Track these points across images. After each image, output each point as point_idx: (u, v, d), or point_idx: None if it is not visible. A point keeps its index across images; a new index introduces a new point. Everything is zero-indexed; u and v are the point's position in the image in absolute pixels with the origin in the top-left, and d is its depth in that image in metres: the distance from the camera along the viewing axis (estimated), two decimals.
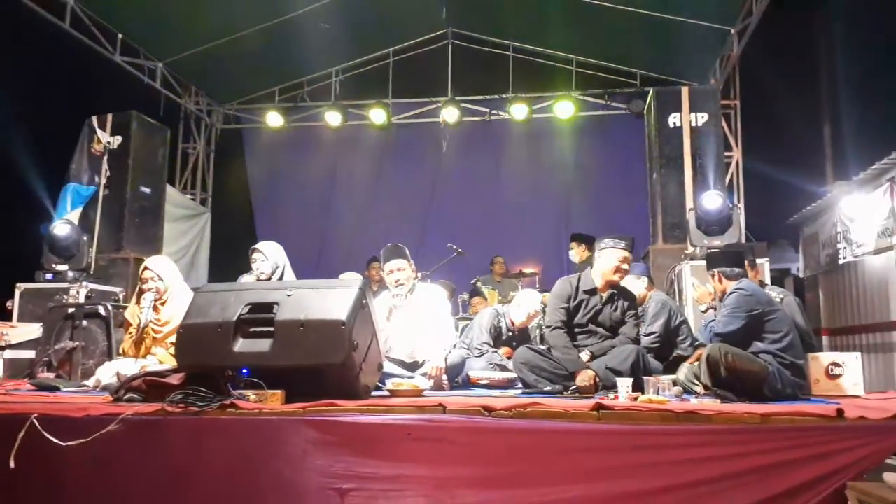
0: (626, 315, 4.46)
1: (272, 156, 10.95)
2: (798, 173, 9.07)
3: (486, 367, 4.89)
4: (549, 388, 4.10)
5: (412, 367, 4.65)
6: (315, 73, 10.64)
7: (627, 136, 9.62)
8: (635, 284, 5.15)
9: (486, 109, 10.31)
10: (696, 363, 4.11)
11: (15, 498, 2.86)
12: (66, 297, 6.03)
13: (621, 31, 9.08)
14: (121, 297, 6.49)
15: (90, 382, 4.29)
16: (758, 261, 5.47)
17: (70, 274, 6.37)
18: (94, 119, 7.48)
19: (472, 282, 7.80)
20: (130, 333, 4.55)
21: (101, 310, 5.33)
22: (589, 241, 6.74)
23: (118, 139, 7.40)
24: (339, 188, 10.73)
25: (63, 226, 6.53)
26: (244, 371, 3.21)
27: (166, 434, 2.88)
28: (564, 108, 9.73)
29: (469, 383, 4.70)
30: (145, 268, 4.57)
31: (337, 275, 6.05)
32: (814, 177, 9.14)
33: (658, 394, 3.51)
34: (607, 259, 4.43)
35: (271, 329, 3.24)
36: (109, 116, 7.49)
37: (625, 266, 4.42)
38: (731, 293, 3.99)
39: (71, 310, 5.42)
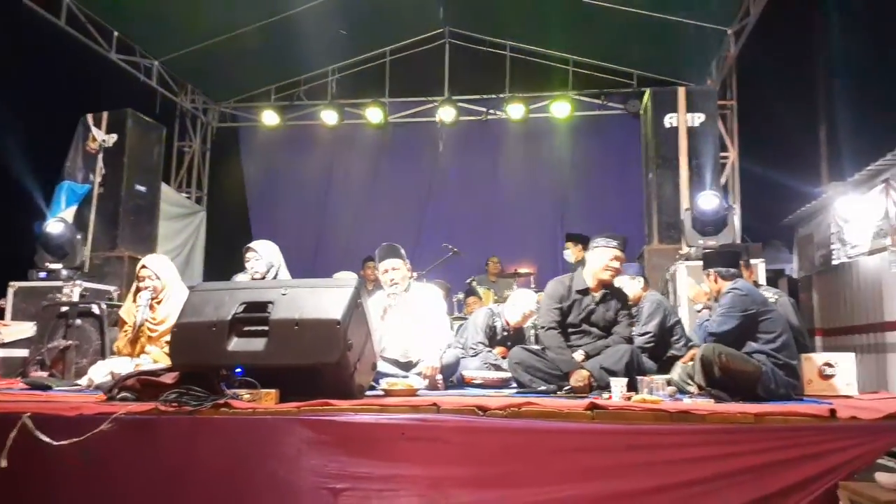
0: (619, 315, 4.47)
1: (268, 154, 10.92)
2: (793, 174, 9.09)
3: (481, 366, 4.89)
4: (543, 388, 4.11)
5: (407, 366, 4.65)
6: (311, 72, 10.61)
7: (624, 137, 9.62)
8: (631, 285, 5.16)
9: (483, 109, 10.30)
10: (690, 363, 4.11)
11: (7, 497, 2.85)
12: (59, 295, 6.01)
13: (618, 31, 9.08)
14: (115, 295, 6.47)
15: (83, 381, 4.27)
16: (752, 261, 5.48)
17: (64, 272, 6.35)
18: (90, 117, 7.45)
19: (468, 281, 7.80)
20: (125, 331, 4.53)
21: (95, 308, 5.31)
22: (584, 241, 6.73)
23: (113, 137, 7.37)
24: (335, 187, 10.71)
25: (56, 224, 6.51)
26: (238, 370, 3.20)
27: (160, 433, 2.87)
28: (561, 108, 9.73)
29: (463, 383, 4.70)
30: (142, 266, 4.56)
31: (333, 274, 6.05)
32: (809, 178, 9.17)
33: (652, 393, 3.52)
34: (598, 258, 4.44)
35: (266, 328, 3.24)
36: (105, 114, 7.46)
37: (615, 265, 4.42)
38: (727, 293, 4.00)
39: (64, 308, 5.40)
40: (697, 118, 7.13)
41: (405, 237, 7.65)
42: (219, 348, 3.23)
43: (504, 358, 4.85)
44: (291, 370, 3.18)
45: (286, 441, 2.79)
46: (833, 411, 2.85)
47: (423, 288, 5.07)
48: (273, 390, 3.11)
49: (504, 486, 2.71)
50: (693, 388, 3.96)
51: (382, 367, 4.26)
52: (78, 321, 5.27)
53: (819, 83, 9.50)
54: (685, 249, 6.36)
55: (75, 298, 5.95)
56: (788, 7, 8.36)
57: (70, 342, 5.11)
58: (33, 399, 3.48)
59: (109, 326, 5.19)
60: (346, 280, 3.77)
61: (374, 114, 10.09)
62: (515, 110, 9.81)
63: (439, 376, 4.48)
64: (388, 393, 3.57)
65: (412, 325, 4.71)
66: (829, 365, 4.18)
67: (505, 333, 5.38)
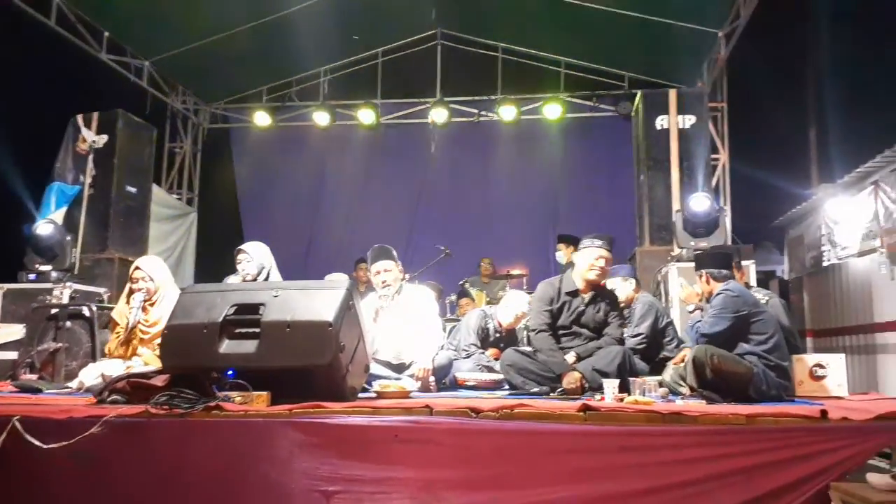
0: (609, 316, 4.47)
1: (260, 156, 10.88)
2: (784, 176, 9.14)
3: (474, 368, 4.89)
4: (535, 390, 4.10)
5: (399, 368, 4.64)
6: (303, 73, 10.60)
7: (615, 138, 9.64)
8: (623, 286, 5.18)
9: (475, 110, 10.31)
10: (682, 364, 4.12)
11: None
12: (49, 297, 5.97)
13: (610, 33, 9.11)
14: (105, 297, 6.43)
15: (73, 384, 4.24)
16: (743, 263, 5.50)
17: (54, 274, 6.30)
18: (80, 118, 7.41)
19: (460, 283, 7.80)
20: (117, 333, 4.50)
21: (86, 310, 5.28)
22: (576, 243, 6.67)
23: (104, 138, 7.34)
24: (326, 189, 10.69)
25: (46, 225, 6.46)
26: (230, 372, 3.19)
27: (151, 436, 2.86)
28: (553, 110, 9.75)
29: (456, 385, 4.69)
30: (136, 267, 4.54)
31: (324, 275, 6.04)
32: (799, 179, 9.22)
33: (644, 395, 3.52)
34: (584, 259, 4.45)
35: (257, 330, 3.22)
36: (95, 115, 7.43)
37: (600, 264, 4.40)
38: (718, 294, 4.01)
39: (54, 310, 5.36)
40: (688, 120, 7.16)
41: (397, 238, 7.66)
42: (210, 350, 3.21)
43: (497, 360, 4.84)
44: (283, 372, 3.17)
45: (278, 444, 2.78)
46: (824, 412, 2.86)
47: (415, 289, 5.07)
48: (265, 392, 3.09)
49: (496, 487, 2.71)
50: (685, 390, 3.97)
51: (375, 369, 4.26)
52: (68, 323, 5.24)
53: (809, 85, 9.56)
54: (676, 251, 6.38)
55: (65, 300, 5.91)
56: (779, 9, 8.40)
57: (60, 344, 5.08)
58: (23, 402, 3.44)
59: (100, 328, 5.16)
60: (338, 282, 3.76)
61: (366, 115, 10.09)
62: (507, 112, 9.82)
63: (432, 378, 4.47)
64: (380, 395, 3.57)
65: (404, 327, 4.70)
66: (820, 366, 4.19)
67: (497, 335, 5.38)
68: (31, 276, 6.34)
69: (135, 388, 3.20)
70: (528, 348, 4.57)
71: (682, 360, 4.14)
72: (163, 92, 9.97)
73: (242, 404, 3.02)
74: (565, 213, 10.00)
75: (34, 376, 4.78)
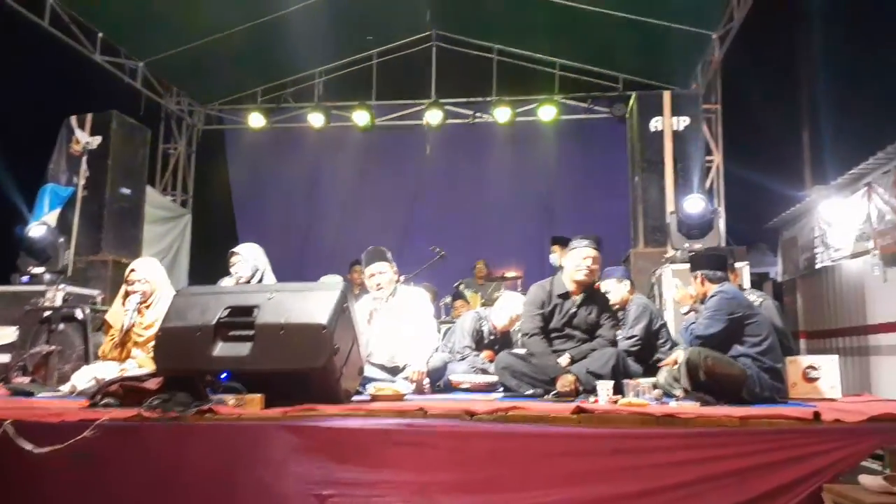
0: (601, 318, 4.46)
1: (254, 157, 10.87)
2: (777, 178, 9.18)
3: (468, 370, 4.88)
4: (530, 392, 4.11)
5: (394, 371, 4.64)
6: (298, 74, 10.58)
7: (610, 140, 9.65)
8: (618, 288, 5.18)
9: (470, 112, 10.31)
10: (676, 366, 4.12)
11: None
12: (42, 300, 5.92)
13: (604, 35, 9.12)
14: (99, 300, 6.39)
15: (66, 387, 4.22)
16: (737, 264, 5.51)
17: (47, 276, 6.25)
18: (73, 119, 7.39)
19: (455, 285, 7.80)
20: (112, 335, 4.49)
21: (79, 313, 5.25)
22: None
23: (97, 139, 7.32)
24: (321, 190, 10.68)
25: (39, 227, 6.42)
26: (224, 375, 3.18)
27: (144, 440, 2.85)
28: (547, 112, 9.76)
29: (451, 387, 4.69)
30: (132, 269, 4.53)
31: (319, 277, 6.03)
32: (793, 181, 9.26)
33: (638, 397, 3.53)
34: (572, 259, 4.45)
35: (251, 333, 3.22)
36: (89, 116, 7.40)
37: (587, 263, 4.39)
38: (713, 296, 4.02)
39: (47, 313, 5.34)
40: (682, 122, 7.18)
41: (392, 240, 7.64)
42: (204, 353, 3.20)
43: (491, 362, 4.84)
44: (277, 375, 3.16)
45: (272, 447, 2.77)
46: (817, 414, 2.87)
47: (409, 291, 5.06)
48: (258, 395, 3.09)
49: (491, 490, 2.71)
50: (679, 392, 3.98)
51: (369, 371, 4.25)
52: (61, 326, 5.21)
53: (803, 87, 9.60)
54: (671, 252, 6.38)
55: (58, 303, 5.86)
56: (772, 11, 8.44)
57: (53, 347, 5.05)
58: (15, 406, 3.43)
59: (93, 331, 5.14)
60: (333, 284, 3.76)
61: (360, 116, 10.07)
62: (502, 114, 9.82)
63: (426, 381, 4.47)
64: (374, 398, 3.57)
65: (399, 330, 4.70)
66: (814, 368, 4.20)
67: (492, 337, 5.38)
68: (24, 279, 6.29)
69: (128, 391, 3.19)
70: (523, 351, 4.57)
71: (675, 363, 4.14)
72: (157, 93, 9.95)
73: (236, 407, 3.02)
74: (560, 214, 10.01)
75: (27, 379, 4.76)
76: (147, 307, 4.47)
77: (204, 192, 10.96)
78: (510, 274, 7.67)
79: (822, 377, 4.18)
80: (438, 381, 4.67)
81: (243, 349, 3.20)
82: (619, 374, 4.02)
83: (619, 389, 3.74)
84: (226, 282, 5.02)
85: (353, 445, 2.77)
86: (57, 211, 6.98)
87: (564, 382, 4.02)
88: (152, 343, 4.21)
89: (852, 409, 3.15)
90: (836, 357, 4.28)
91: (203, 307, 3.34)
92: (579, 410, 2.94)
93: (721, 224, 8.22)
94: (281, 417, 2.89)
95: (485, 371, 4.85)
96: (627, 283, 5.27)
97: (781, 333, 4.38)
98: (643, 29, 8.56)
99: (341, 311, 3.29)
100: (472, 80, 10.28)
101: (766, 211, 9.53)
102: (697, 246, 6.08)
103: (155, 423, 2.85)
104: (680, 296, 4.59)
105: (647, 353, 4.94)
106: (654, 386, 3.92)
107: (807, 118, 9.49)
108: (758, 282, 8.88)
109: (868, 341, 6.86)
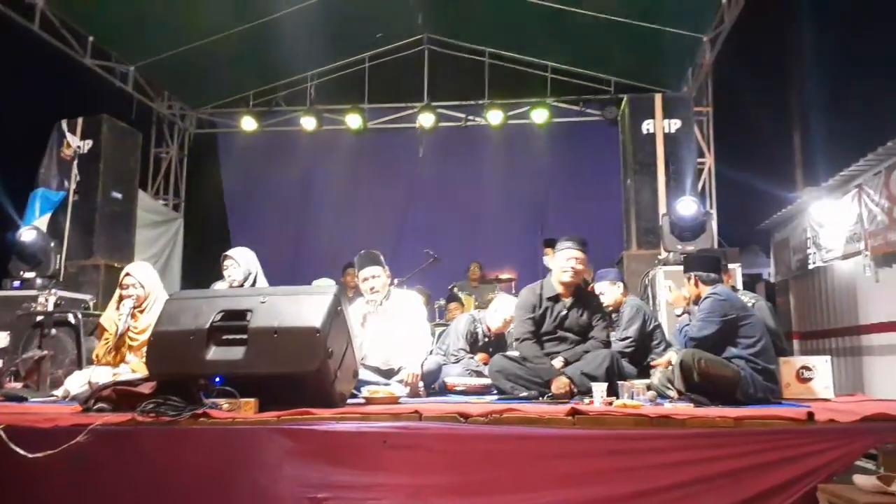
0: (593, 318, 4.46)
1: (246, 161, 10.84)
2: (769, 179, 9.24)
3: (463, 373, 4.88)
4: (524, 394, 4.11)
5: (388, 374, 4.62)
6: (290, 78, 10.57)
7: (602, 143, 9.68)
8: (611, 290, 5.19)
9: (463, 115, 10.33)
10: (669, 367, 4.13)
11: None
12: (34, 304, 5.89)
13: (596, 38, 9.16)
14: (91, 304, 6.36)
15: (59, 392, 4.20)
16: (730, 266, 5.53)
17: (38, 281, 6.21)
18: (64, 123, 7.35)
19: (450, 287, 7.80)
20: (106, 340, 4.47)
21: (71, 318, 5.23)
22: None
23: (89, 143, 7.28)
24: (314, 193, 10.67)
25: (29, 232, 6.38)
26: (217, 379, 3.17)
27: (137, 444, 2.83)
28: (540, 115, 9.80)
29: (445, 390, 4.69)
30: (127, 274, 4.51)
31: (312, 281, 6.01)
32: (784, 183, 9.31)
33: (633, 398, 3.53)
34: (557, 261, 4.45)
35: (244, 336, 3.20)
36: (80, 120, 7.36)
37: (571, 264, 4.37)
38: (706, 298, 4.03)
39: (39, 318, 5.31)
40: (674, 124, 7.20)
41: (385, 243, 7.62)
42: (197, 357, 3.18)
43: (486, 364, 4.84)
44: (271, 379, 3.15)
45: (266, 451, 2.76)
46: (811, 414, 2.88)
47: (403, 295, 5.05)
48: (252, 399, 3.07)
49: (486, 493, 2.70)
50: (673, 393, 3.98)
51: (363, 374, 4.24)
52: (53, 331, 5.19)
53: (793, 89, 9.66)
54: (663, 254, 6.40)
55: (50, 308, 5.84)
56: (763, 15, 8.49)
57: (45, 352, 5.03)
58: (7, 411, 3.40)
59: (86, 336, 5.11)
60: (326, 287, 3.75)
61: (353, 120, 10.08)
62: (494, 116, 9.85)
63: (421, 383, 4.47)
64: (369, 401, 3.56)
65: (393, 333, 4.69)
66: (807, 368, 4.22)
67: (486, 340, 5.38)
68: (16, 284, 6.25)
69: (121, 395, 3.17)
70: (517, 353, 4.57)
71: (668, 364, 4.15)
72: (148, 97, 9.93)
73: (230, 411, 3.00)
74: (553, 217, 10.04)
75: (19, 384, 4.74)
76: (141, 311, 4.46)
77: (196, 196, 10.93)
78: (504, 276, 7.67)
79: (815, 377, 4.21)
80: (433, 383, 4.66)
81: (237, 353, 3.18)
82: (613, 376, 4.03)
83: (613, 391, 3.75)
84: (218, 286, 5.02)
85: (348, 449, 2.76)
86: (48, 215, 6.94)
87: (559, 384, 4.03)
88: (146, 347, 4.21)
89: (846, 409, 3.17)
90: (828, 357, 4.31)
91: (196, 311, 3.32)
92: (574, 412, 2.94)
93: (713, 226, 8.24)
94: (275, 421, 2.87)
95: (479, 373, 4.85)
96: (621, 284, 5.29)
97: (774, 334, 4.40)
98: (634, 32, 8.59)
99: (335, 315, 3.28)
100: (465, 84, 10.29)
101: (758, 212, 9.59)
102: (690, 248, 6.10)
103: (148, 427, 2.84)
104: (673, 298, 4.59)
105: (641, 355, 4.95)
106: (649, 387, 3.93)
107: (798, 120, 9.56)
108: (750, 283, 8.94)
109: (861, 341, 6.90)
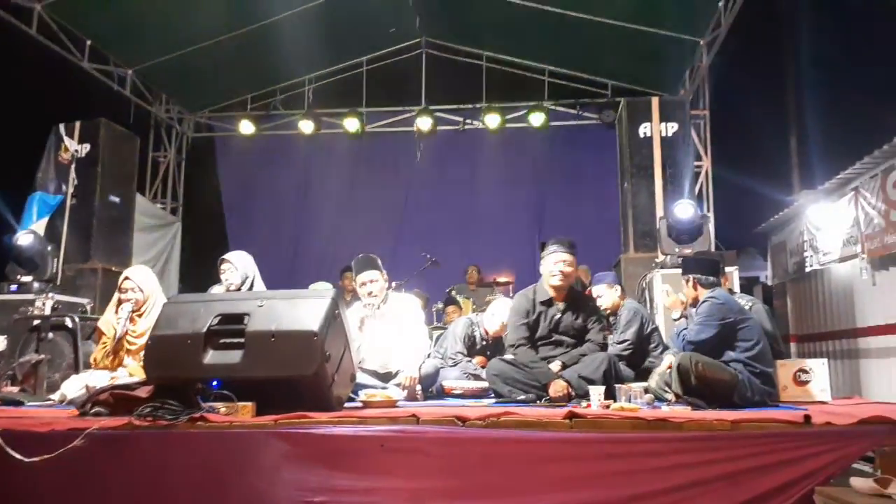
0: (588, 321, 4.45)
1: (244, 164, 10.85)
2: (766, 182, 9.26)
3: (461, 376, 4.88)
4: (522, 398, 4.11)
5: (385, 377, 4.63)
6: (288, 81, 10.58)
7: (599, 146, 9.70)
8: (609, 293, 5.20)
9: (460, 118, 10.34)
10: (668, 370, 4.14)
11: None
12: (31, 308, 5.88)
13: (593, 41, 9.17)
14: (88, 308, 6.36)
15: (56, 396, 4.19)
16: (727, 269, 5.54)
17: (35, 285, 6.21)
18: (62, 126, 7.34)
19: (447, 290, 7.80)
20: (104, 343, 4.46)
21: (68, 322, 5.21)
22: None
23: (86, 147, 7.28)
24: (312, 197, 10.67)
25: (26, 236, 6.38)
26: (215, 383, 3.16)
27: (134, 448, 2.83)
28: (537, 118, 9.82)
29: (443, 393, 4.69)
30: (126, 277, 4.50)
31: (309, 285, 6.01)
32: (781, 186, 9.34)
33: (630, 401, 3.54)
34: (546, 265, 4.44)
35: (242, 340, 3.19)
36: (77, 124, 7.36)
37: (560, 267, 4.35)
38: (704, 301, 4.03)
39: (36, 322, 5.30)
40: (671, 128, 7.22)
41: (383, 247, 7.64)
42: (194, 361, 3.18)
43: (483, 367, 4.84)
44: (268, 382, 3.15)
45: (264, 455, 2.76)
46: (808, 417, 2.88)
47: (400, 298, 5.06)
48: (250, 403, 3.07)
49: (483, 496, 2.70)
50: (671, 396, 3.99)
51: (361, 378, 4.24)
52: (50, 335, 5.17)
53: (790, 93, 9.68)
54: (661, 258, 6.41)
55: (47, 312, 5.83)
56: (760, 18, 8.52)
57: (42, 356, 5.01)
58: (4, 415, 3.39)
59: (83, 340, 5.10)
60: (324, 291, 3.75)
61: (350, 123, 10.08)
62: (492, 120, 9.87)
63: (418, 387, 4.47)
64: (366, 404, 3.55)
65: (390, 336, 4.69)
66: (804, 371, 4.23)
67: (484, 343, 5.38)
68: (13, 287, 6.25)
69: (118, 399, 3.17)
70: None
71: (669, 368, 4.15)
72: (146, 101, 9.93)
73: (227, 415, 3.00)
74: (550, 220, 10.05)
75: (16, 389, 4.72)
76: (140, 315, 4.45)
77: (194, 200, 10.93)
78: (502, 279, 7.69)
79: (812, 380, 4.21)
80: (430, 387, 4.67)
81: (234, 357, 3.18)
82: (610, 379, 4.03)
83: (610, 394, 3.75)
84: (216, 289, 5.01)
85: (346, 452, 2.76)
86: (45, 219, 6.94)
87: (557, 388, 4.03)
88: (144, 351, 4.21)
89: (843, 412, 3.17)
90: (825, 360, 4.31)
91: (193, 315, 3.32)
92: (571, 415, 2.94)
93: (710, 229, 8.25)
94: (273, 425, 2.87)
95: (477, 377, 4.85)
96: (618, 288, 5.30)
97: (771, 337, 4.40)
98: (631, 36, 8.61)
99: (332, 318, 3.28)
100: (462, 87, 10.31)
101: (755, 216, 9.60)
102: (687, 251, 6.10)
103: (146, 431, 2.83)
104: (671, 301, 4.60)
105: (638, 358, 4.95)
106: (646, 391, 3.93)
107: (794, 123, 9.58)
108: (747, 286, 8.95)
109: (858, 344, 6.91)
